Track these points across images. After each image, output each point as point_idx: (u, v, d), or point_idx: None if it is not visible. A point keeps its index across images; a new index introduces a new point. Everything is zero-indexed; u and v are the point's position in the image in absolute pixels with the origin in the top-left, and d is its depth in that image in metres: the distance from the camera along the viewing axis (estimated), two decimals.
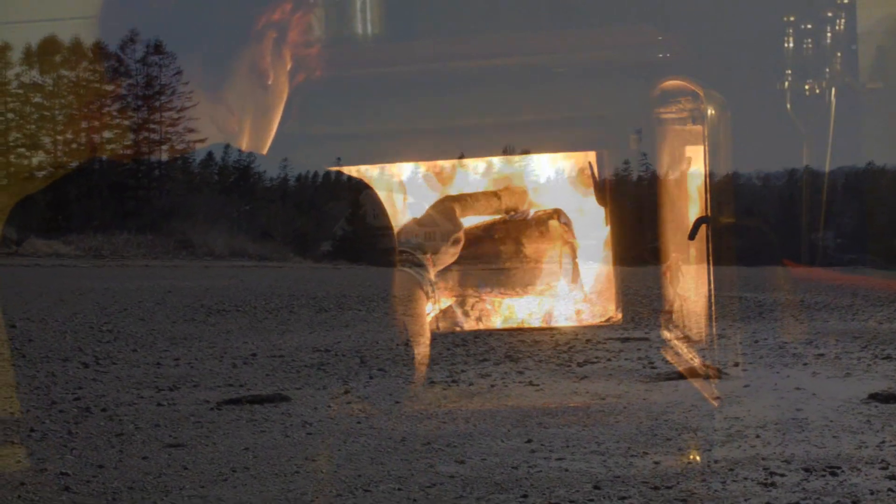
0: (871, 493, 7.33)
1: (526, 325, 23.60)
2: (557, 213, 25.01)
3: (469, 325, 23.62)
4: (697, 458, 8.75)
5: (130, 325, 20.00)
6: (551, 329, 22.22)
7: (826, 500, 7.19)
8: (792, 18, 13.39)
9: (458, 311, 24.09)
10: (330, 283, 36.24)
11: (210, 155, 72.52)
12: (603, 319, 24.30)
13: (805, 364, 14.67)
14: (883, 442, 9.04)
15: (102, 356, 15.56)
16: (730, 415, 10.50)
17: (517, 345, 17.38)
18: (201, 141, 68.54)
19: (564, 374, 13.84)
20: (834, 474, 7.85)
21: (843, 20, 13.12)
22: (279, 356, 15.81)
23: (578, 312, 24.79)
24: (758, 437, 9.39)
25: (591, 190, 23.48)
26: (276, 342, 17.77)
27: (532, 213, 24.89)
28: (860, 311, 24.28)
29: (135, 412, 10.95)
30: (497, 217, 25.40)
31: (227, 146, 71.16)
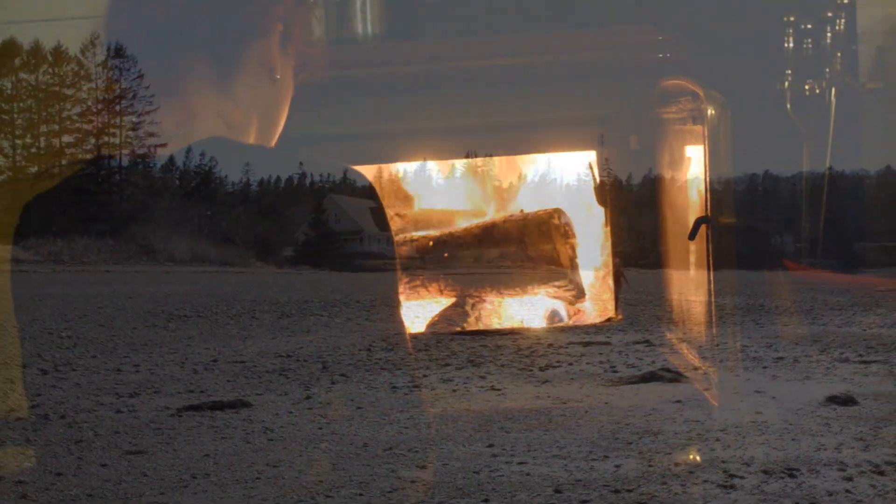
0: (829, 495, 7.40)
1: (526, 326, 23.62)
2: (557, 213, 25.03)
3: (469, 324, 23.64)
4: (697, 458, 8.80)
5: (90, 331, 19.86)
6: (551, 329, 22.27)
7: (784, 501, 7.25)
8: (792, 18, 13.42)
9: (458, 311, 24.09)
10: (292, 289, 36.12)
11: (171, 159, 72.19)
12: (603, 319, 24.38)
13: (765, 367, 14.79)
14: (841, 444, 9.13)
15: (62, 362, 15.44)
16: (690, 418, 10.56)
17: (479, 350, 17.41)
18: (162, 145, 68.22)
19: (526, 378, 13.86)
20: (792, 476, 7.92)
21: (843, 20, 13.16)
22: (241, 362, 15.74)
23: (578, 312, 24.87)
24: (718, 439, 9.46)
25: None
26: (237, 348, 17.70)
27: (532, 213, 24.92)
28: (820, 315, 24.51)
29: (94, 419, 10.87)
30: (496, 217, 25.41)
31: (189, 150, 70.86)
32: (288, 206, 74.59)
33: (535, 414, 10.94)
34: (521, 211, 25.06)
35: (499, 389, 12.82)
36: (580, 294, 24.79)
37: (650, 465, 8.38)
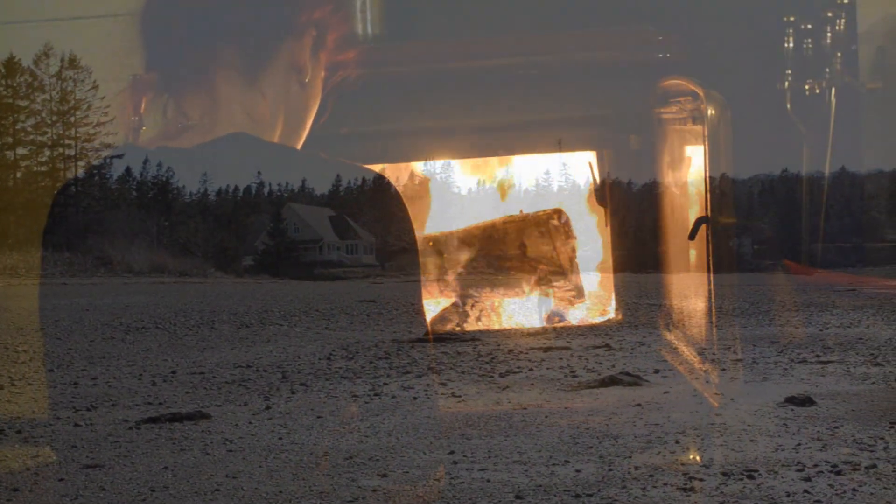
0: (788, 496, 7.45)
1: (525, 325, 23.60)
2: (558, 213, 25.03)
3: (469, 325, 23.62)
4: (698, 458, 8.83)
5: (47, 345, 19.66)
6: (551, 329, 22.25)
7: (744, 503, 7.29)
8: (792, 18, 13.49)
9: (458, 311, 24.06)
10: (252, 298, 35.95)
11: (128, 170, 71.69)
12: (603, 319, 24.40)
13: (723, 369, 14.89)
14: (799, 444, 9.19)
15: (18, 377, 15.26)
16: (650, 421, 10.60)
17: (440, 356, 17.40)
18: (119, 156, 67.68)
19: (487, 384, 13.87)
20: (751, 477, 7.97)
21: (843, 20, 13.25)
22: (199, 373, 15.63)
23: (578, 312, 24.82)
24: (677, 442, 9.50)
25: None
26: (196, 359, 17.58)
27: (532, 213, 24.95)
28: (777, 317, 24.72)
29: (51, 433, 10.75)
30: (496, 218, 25.42)
31: (146, 161, 70.43)
32: (246, 216, 74.34)
33: (495, 420, 10.94)
34: (521, 211, 25.06)
35: (459, 396, 12.81)
36: (579, 294, 24.86)
37: (610, 470, 8.40)
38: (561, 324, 23.75)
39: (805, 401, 11.45)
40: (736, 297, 32.46)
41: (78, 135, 64.96)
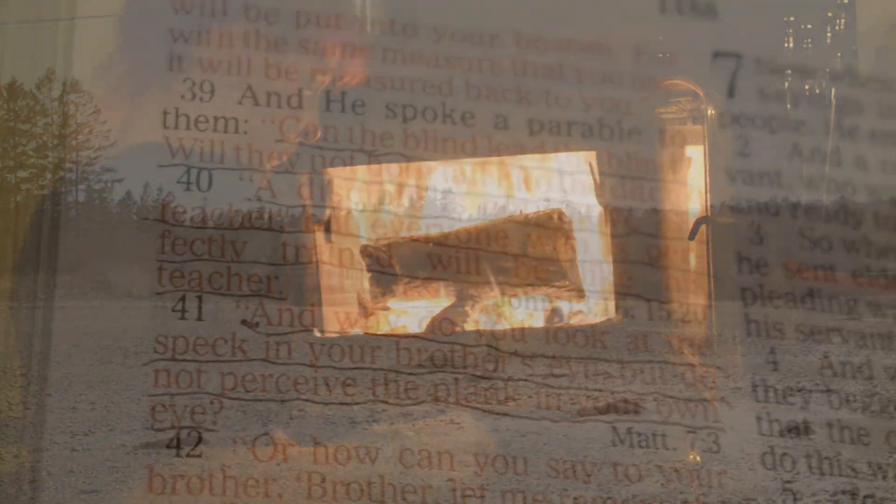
0: None
1: (525, 326, 23.55)
2: (558, 213, 25.00)
3: (468, 325, 23.50)
4: (698, 458, 8.82)
5: (45, 369, 19.63)
6: (550, 329, 22.22)
7: None
8: (792, 18, 13.50)
9: (457, 312, 23.97)
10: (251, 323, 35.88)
11: (128, 193, 71.78)
12: (602, 319, 24.33)
13: (721, 398, 14.85)
14: (797, 473, 9.18)
15: (15, 402, 15.24)
16: (649, 448, 10.56)
17: (439, 383, 17.36)
18: (119, 180, 67.83)
19: (486, 412, 13.82)
20: None
21: (843, 20, 13.25)
22: (197, 398, 15.59)
23: (579, 313, 24.73)
24: (676, 470, 9.48)
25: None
26: (194, 383, 17.54)
27: (532, 213, 24.89)
28: (776, 344, 24.70)
29: (48, 458, 10.73)
30: (496, 218, 25.33)
31: (147, 185, 70.53)
32: (245, 239, 74.34)
33: (493, 447, 10.92)
34: (521, 212, 25.06)
35: (458, 423, 12.79)
36: (580, 295, 24.79)
37: (609, 497, 8.39)
38: (560, 324, 23.72)
39: (803, 429, 11.43)
40: (735, 324, 32.44)
41: (79, 158, 65.05)
